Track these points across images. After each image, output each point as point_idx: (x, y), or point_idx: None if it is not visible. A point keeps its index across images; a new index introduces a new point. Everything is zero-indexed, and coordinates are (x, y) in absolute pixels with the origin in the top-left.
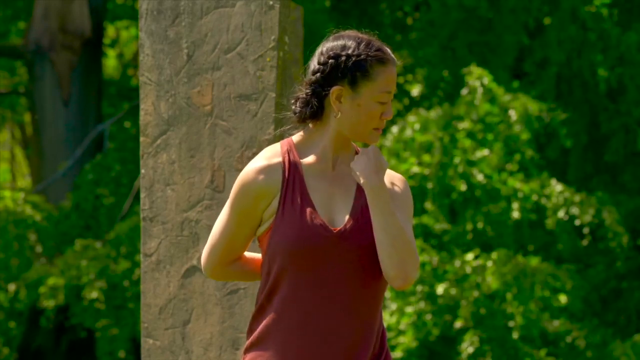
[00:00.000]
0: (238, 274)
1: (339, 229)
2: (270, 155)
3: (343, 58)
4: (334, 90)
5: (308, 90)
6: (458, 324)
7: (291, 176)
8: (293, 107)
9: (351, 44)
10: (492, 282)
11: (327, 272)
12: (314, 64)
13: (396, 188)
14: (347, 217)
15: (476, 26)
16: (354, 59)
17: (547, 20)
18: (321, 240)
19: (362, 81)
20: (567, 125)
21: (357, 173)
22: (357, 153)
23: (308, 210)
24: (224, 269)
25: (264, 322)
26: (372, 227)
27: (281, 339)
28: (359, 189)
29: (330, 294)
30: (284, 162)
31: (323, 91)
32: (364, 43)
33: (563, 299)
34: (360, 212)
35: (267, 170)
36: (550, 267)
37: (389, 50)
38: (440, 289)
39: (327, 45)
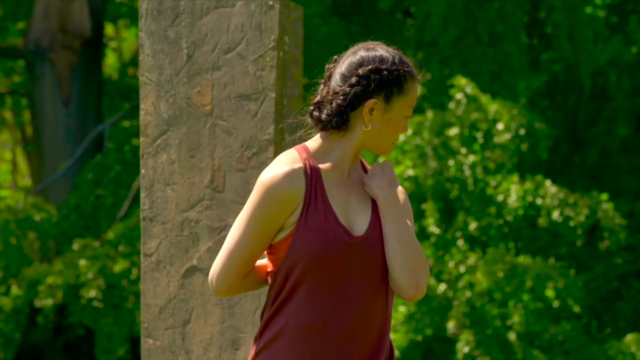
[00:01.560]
0: (251, 284)
1: (360, 236)
2: (291, 160)
3: (385, 72)
4: (369, 103)
5: (340, 101)
6: (451, 324)
7: (313, 182)
8: (316, 113)
9: (388, 57)
10: (483, 281)
11: (346, 278)
12: (342, 72)
13: (400, 200)
14: (367, 225)
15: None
16: (395, 74)
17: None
18: (344, 247)
19: (397, 96)
20: (554, 129)
21: (371, 186)
22: (362, 163)
23: (330, 217)
24: (241, 283)
25: (278, 326)
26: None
27: (296, 341)
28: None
29: (348, 299)
30: (305, 168)
31: (359, 103)
32: (398, 58)
33: (550, 293)
34: (380, 221)
35: (292, 175)
36: (543, 266)
37: (413, 67)
38: (434, 289)
39: (363, 56)
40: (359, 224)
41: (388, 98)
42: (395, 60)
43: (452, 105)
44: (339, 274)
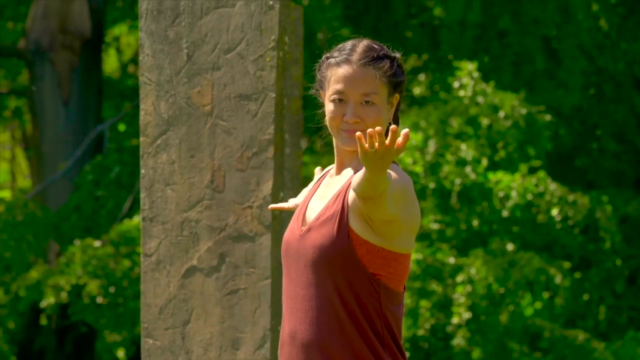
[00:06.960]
0: None
1: (304, 228)
2: None
3: (318, 68)
4: (321, 95)
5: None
6: (455, 319)
7: (317, 182)
8: None
9: (330, 52)
10: (483, 275)
11: (293, 271)
12: None
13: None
14: (311, 219)
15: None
16: (320, 65)
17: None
18: (291, 239)
19: (325, 84)
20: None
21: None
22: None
23: (299, 211)
24: None
25: None
26: (330, 225)
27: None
28: (342, 190)
29: (294, 291)
30: (326, 169)
31: (321, 97)
32: (336, 49)
33: (558, 299)
34: (324, 209)
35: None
36: (541, 262)
37: (355, 51)
38: (433, 286)
39: None
40: (310, 219)
41: (322, 89)
42: (331, 52)
43: (457, 84)
44: (290, 266)
